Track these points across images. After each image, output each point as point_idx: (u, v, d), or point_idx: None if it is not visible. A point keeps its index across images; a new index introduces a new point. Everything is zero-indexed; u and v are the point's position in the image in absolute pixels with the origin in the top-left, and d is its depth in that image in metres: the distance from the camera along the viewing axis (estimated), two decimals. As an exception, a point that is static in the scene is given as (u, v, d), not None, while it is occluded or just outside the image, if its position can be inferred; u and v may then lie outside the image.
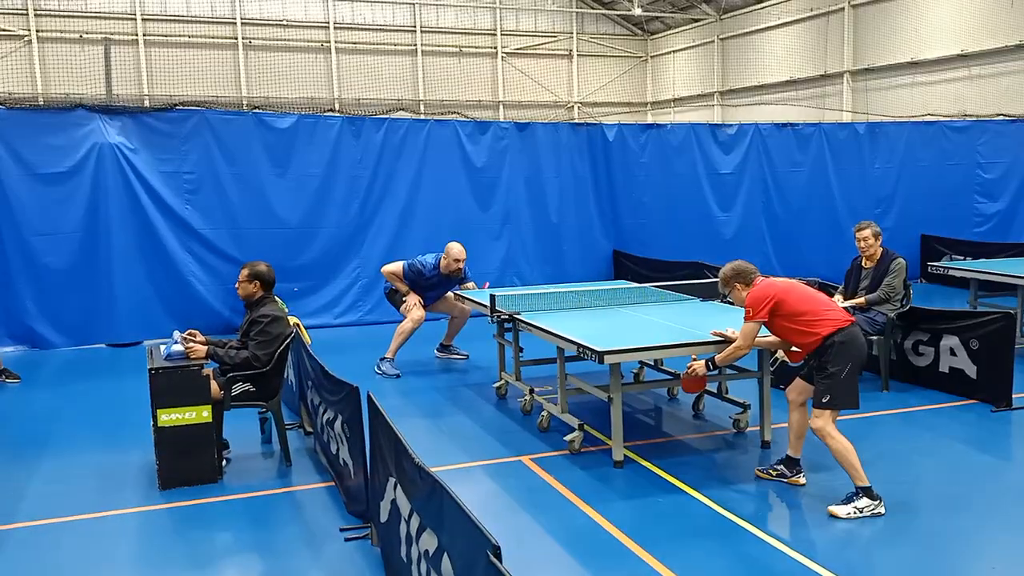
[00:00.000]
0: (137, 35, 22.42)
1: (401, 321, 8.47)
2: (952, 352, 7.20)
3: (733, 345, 5.26)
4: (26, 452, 6.31)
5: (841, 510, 4.86)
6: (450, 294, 8.61)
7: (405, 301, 8.44)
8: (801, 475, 5.33)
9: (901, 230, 13.81)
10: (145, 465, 5.82)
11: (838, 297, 7.57)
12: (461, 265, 8.38)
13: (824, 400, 4.95)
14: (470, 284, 8.56)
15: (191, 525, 5.00)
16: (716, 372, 5.75)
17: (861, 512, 4.83)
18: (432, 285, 8.47)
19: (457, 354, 8.97)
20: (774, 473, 5.39)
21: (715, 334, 5.56)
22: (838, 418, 5.02)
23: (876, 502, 4.86)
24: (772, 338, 5.34)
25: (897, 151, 13.83)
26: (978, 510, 4.97)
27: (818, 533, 4.73)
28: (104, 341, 10.01)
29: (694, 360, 5.51)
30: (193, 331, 5.76)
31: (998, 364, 6.86)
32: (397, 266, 8.51)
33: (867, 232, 7.47)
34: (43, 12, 21.56)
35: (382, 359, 8.40)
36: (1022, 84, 16.61)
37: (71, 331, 9.92)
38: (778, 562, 4.38)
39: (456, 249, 8.36)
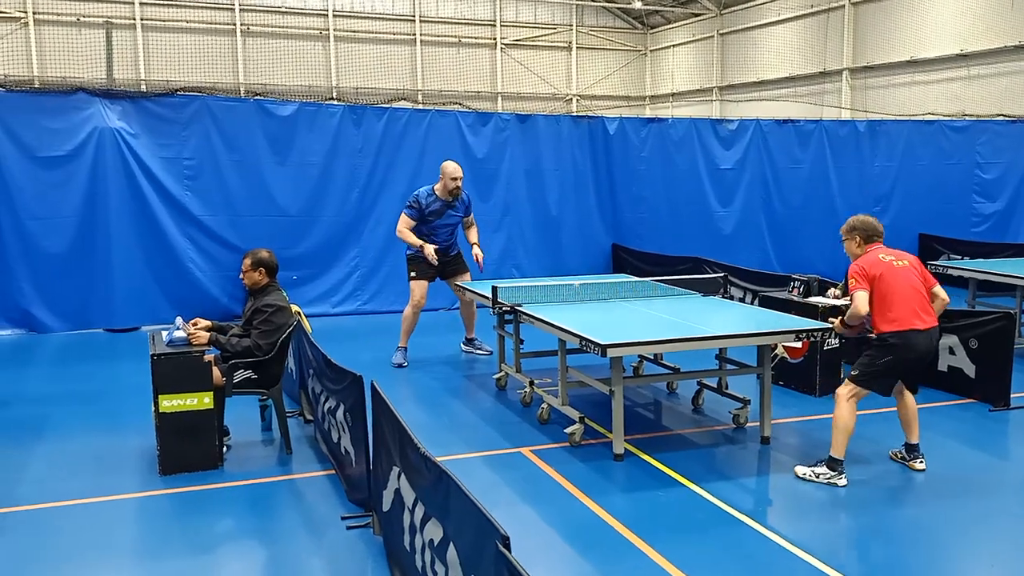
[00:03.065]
0: (135, 19, 22.30)
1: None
2: (951, 351, 7.23)
3: (855, 311, 5.21)
4: (24, 436, 6.29)
5: (801, 469, 5.35)
6: (462, 279, 8.44)
7: (421, 251, 8.08)
8: (919, 460, 5.53)
9: (900, 229, 13.79)
10: (145, 450, 5.81)
11: (836, 292, 7.57)
12: (459, 183, 8.19)
13: (853, 372, 5.30)
14: (477, 251, 8.32)
15: (191, 511, 4.99)
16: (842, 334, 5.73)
17: (817, 478, 5.26)
18: (438, 213, 8.23)
19: (481, 349, 8.81)
20: (898, 456, 5.67)
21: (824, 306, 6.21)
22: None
23: (835, 474, 5.23)
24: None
25: (897, 150, 13.85)
26: (976, 509, 5.00)
27: (817, 527, 4.75)
28: (101, 326, 9.98)
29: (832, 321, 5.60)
30: (198, 319, 5.75)
31: (997, 364, 6.89)
32: (402, 219, 8.26)
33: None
34: (41, -6, 21.42)
35: (397, 348, 8.37)
36: (1022, 85, 16.64)
37: (68, 315, 9.89)
38: (777, 556, 4.40)
39: (451, 167, 8.22)
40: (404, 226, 8.25)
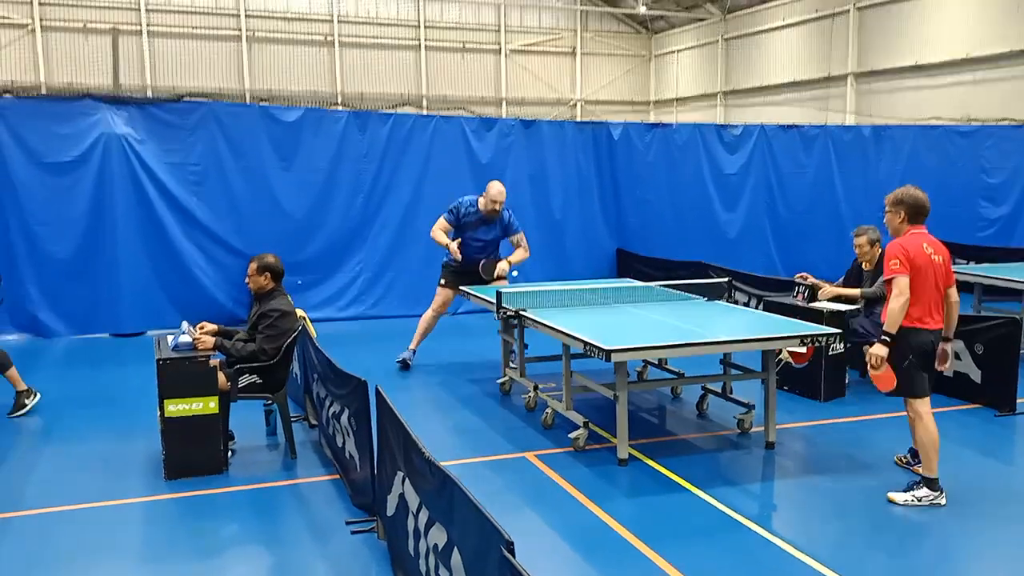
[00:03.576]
0: (141, 26, 22.40)
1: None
2: (957, 356, 7.21)
3: (896, 302, 4.89)
4: (30, 440, 6.33)
5: (899, 496, 5.03)
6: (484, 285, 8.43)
7: (448, 249, 8.17)
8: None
9: (904, 233, 13.80)
10: (150, 455, 5.83)
11: (835, 284, 7.58)
12: (498, 207, 8.19)
13: (903, 389, 5.06)
14: (515, 255, 8.33)
15: (196, 515, 5.01)
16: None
17: (919, 501, 4.98)
18: (473, 225, 8.26)
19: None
20: (903, 460, 5.62)
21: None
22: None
23: (937, 493, 5.00)
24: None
25: (902, 154, 13.83)
26: (981, 514, 4.98)
27: (822, 533, 4.74)
28: (107, 331, 10.02)
29: (869, 352, 5.01)
30: (204, 323, 5.77)
31: (1003, 369, 6.88)
32: (439, 222, 8.34)
33: (862, 239, 7.44)
34: (47, 2, 21.53)
35: (407, 349, 8.42)
36: (1027, 89, 16.62)
37: (74, 320, 9.93)
38: (782, 561, 4.40)
39: (496, 188, 8.22)
40: (438, 227, 8.32)
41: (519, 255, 8.44)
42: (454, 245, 8.14)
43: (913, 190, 5.27)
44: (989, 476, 5.66)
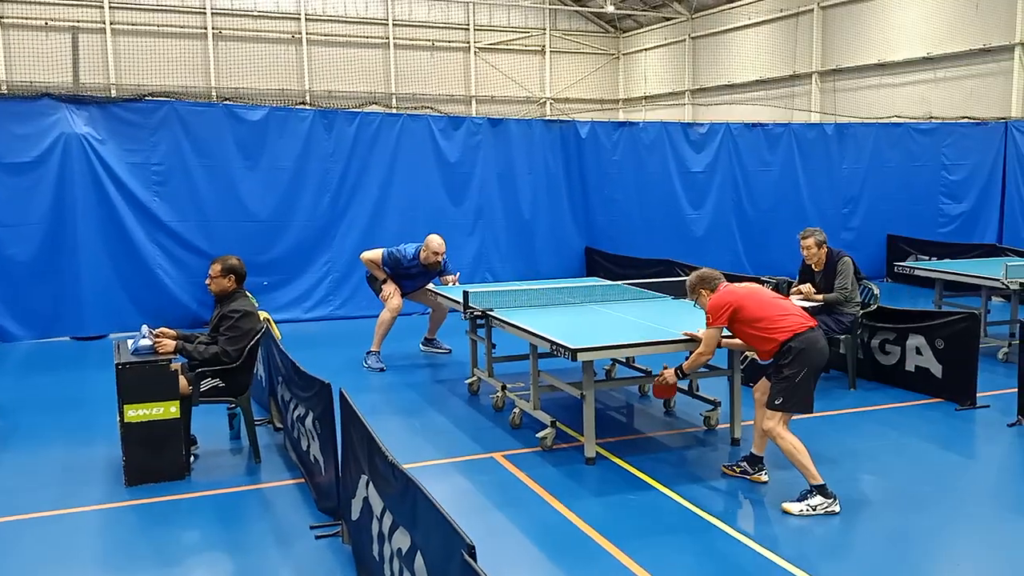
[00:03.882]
0: (104, 23, 22.02)
1: (381, 311, 8.45)
2: (918, 351, 7.32)
3: (696, 352, 5.30)
4: (-12, 448, 6.18)
5: (794, 507, 4.93)
6: (430, 285, 8.56)
7: (383, 289, 8.41)
8: (763, 472, 5.38)
9: (868, 230, 14.01)
10: (111, 461, 5.73)
11: (796, 291, 7.61)
12: (439, 258, 8.34)
13: (777, 402, 5.02)
14: (450, 278, 8.48)
15: (158, 522, 4.93)
16: (686, 378, 5.78)
17: (814, 510, 4.89)
18: (411, 275, 8.44)
19: (440, 348, 8.96)
20: (737, 470, 5.46)
21: (686, 335, 5.61)
22: (793, 418, 5.07)
23: (830, 500, 4.91)
24: (737, 340, 5.39)
25: (864, 152, 14.02)
26: (942, 508, 5.06)
27: (786, 529, 4.77)
28: (69, 334, 9.85)
29: (664, 369, 5.58)
30: (163, 329, 5.68)
31: (963, 363, 6.98)
32: (376, 253, 8.45)
33: (809, 241, 7.42)
34: (6, -2, 21.10)
35: (368, 353, 8.38)
36: (986, 87, 16.90)
37: (35, 324, 9.74)
38: (746, 558, 4.43)
39: (436, 242, 8.32)
40: (374, 260, 8.40)
41: (452, 281, 8.53)
42: (390, 291, 8.35)
43: (698, 271, 5.52)
44: (949, 470, 5.74)
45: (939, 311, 8.30)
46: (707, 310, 5.23)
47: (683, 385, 6.78)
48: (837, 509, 4.90)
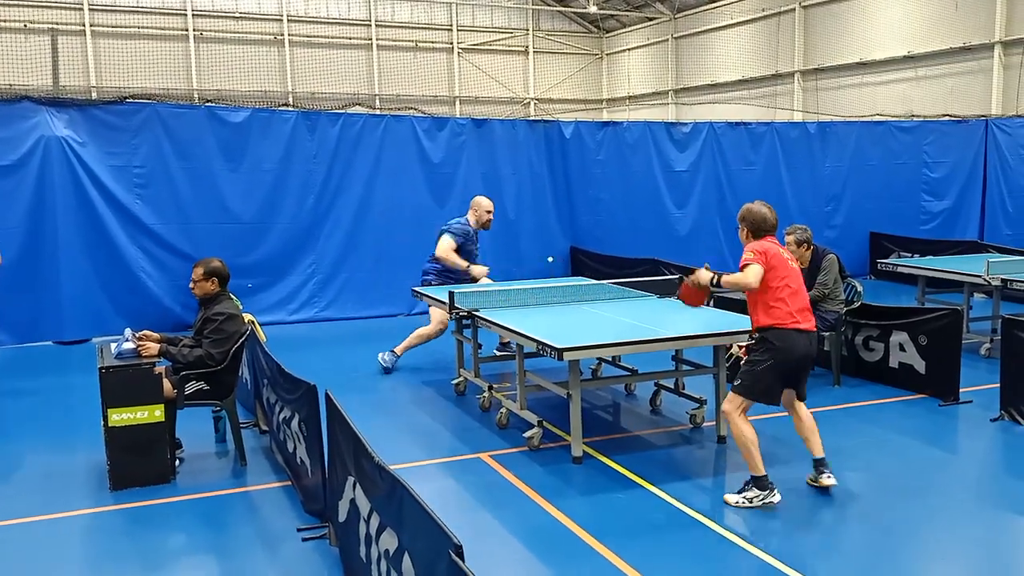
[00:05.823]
0: (84, 25, 21.85)
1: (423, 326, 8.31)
2: (901, 348, 7.37)
3: (741, 276, 4.99)
4: (-31, 454, 6.12)
5: (732, 498, 4.99)
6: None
7: (468, 272, 8.13)
8: (826, 475, 5.13)
9: (850, 228, 14.09)
10: (95, 465, 5.68)
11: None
12: (491, 216, 8.50)
13: (736, 383, 5.04)
14: (482, 269, 8.32)
15: (143, 527, 4.89)
16: (717, 289, 5.44)
17: (751, 502, 4.93)
18: (473, 240, 8.42)
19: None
20: (812, 480, 5.24)
21: (739, 347, 5.56)
22: (779, 415, 5.07)
23: (766, 492, 4.93)
24: (737, 279, 5.09)
25: (847, 150, 14.11)
26: (926, 503, 5.10)
27: (772, 526, 4.79)
28: (51, 339, 9.75)
29: (706, 268, 5.39)
30: (147, 332, 5.64)
31: (946, 359, 7.04)
32: (449, 243, 8.19)
33: (790, 239, 7.34)
34: (-16, 0, 20.91)
35: (391, 351, 8.30)
36: (967, 85, 17.07)
37: (16, 329, 9.64)
38: (733, 555, 4.44)
39: (486, 201, 8.47)
40: (450, 248, 8.20)
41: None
42: (479, 269, 8.23)
43: (757, 206, 5.34)
44: (933, 465, 5.79)
45: (922, 308, 8.37)
46: (749, 248, 5.08)
47: (669, 383, 6.80)
48: (776, 499, 4.92)
